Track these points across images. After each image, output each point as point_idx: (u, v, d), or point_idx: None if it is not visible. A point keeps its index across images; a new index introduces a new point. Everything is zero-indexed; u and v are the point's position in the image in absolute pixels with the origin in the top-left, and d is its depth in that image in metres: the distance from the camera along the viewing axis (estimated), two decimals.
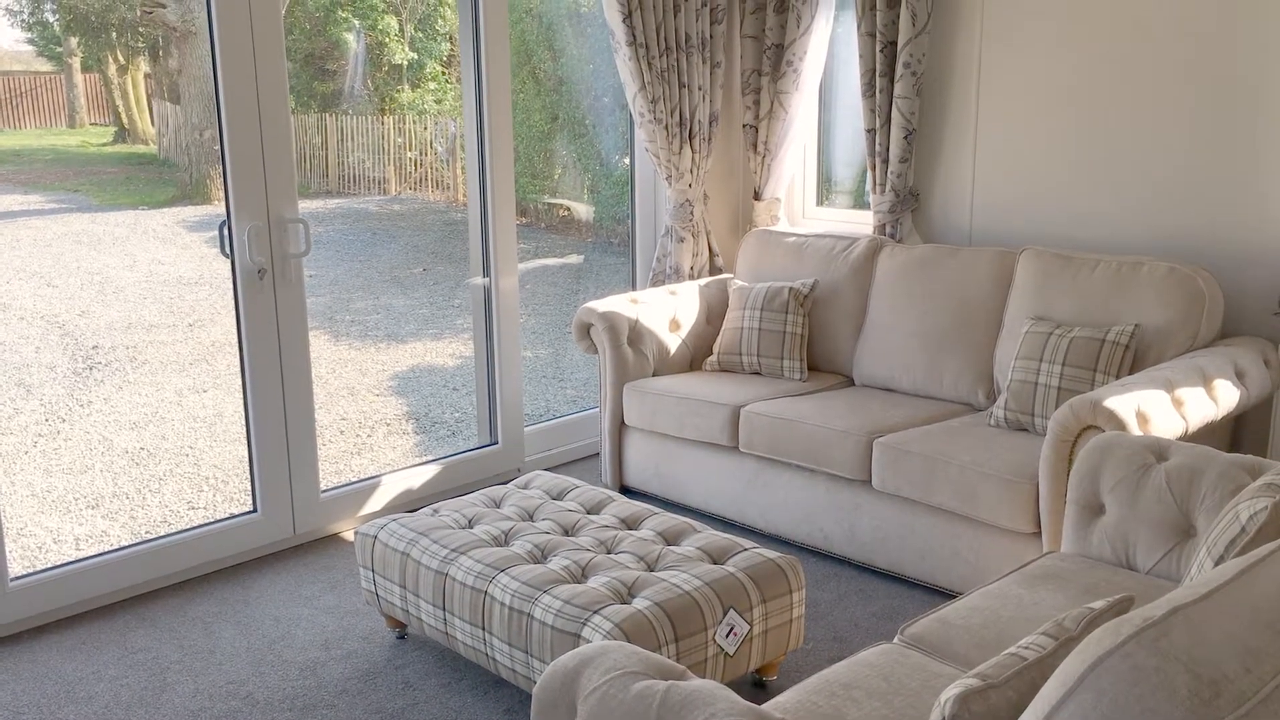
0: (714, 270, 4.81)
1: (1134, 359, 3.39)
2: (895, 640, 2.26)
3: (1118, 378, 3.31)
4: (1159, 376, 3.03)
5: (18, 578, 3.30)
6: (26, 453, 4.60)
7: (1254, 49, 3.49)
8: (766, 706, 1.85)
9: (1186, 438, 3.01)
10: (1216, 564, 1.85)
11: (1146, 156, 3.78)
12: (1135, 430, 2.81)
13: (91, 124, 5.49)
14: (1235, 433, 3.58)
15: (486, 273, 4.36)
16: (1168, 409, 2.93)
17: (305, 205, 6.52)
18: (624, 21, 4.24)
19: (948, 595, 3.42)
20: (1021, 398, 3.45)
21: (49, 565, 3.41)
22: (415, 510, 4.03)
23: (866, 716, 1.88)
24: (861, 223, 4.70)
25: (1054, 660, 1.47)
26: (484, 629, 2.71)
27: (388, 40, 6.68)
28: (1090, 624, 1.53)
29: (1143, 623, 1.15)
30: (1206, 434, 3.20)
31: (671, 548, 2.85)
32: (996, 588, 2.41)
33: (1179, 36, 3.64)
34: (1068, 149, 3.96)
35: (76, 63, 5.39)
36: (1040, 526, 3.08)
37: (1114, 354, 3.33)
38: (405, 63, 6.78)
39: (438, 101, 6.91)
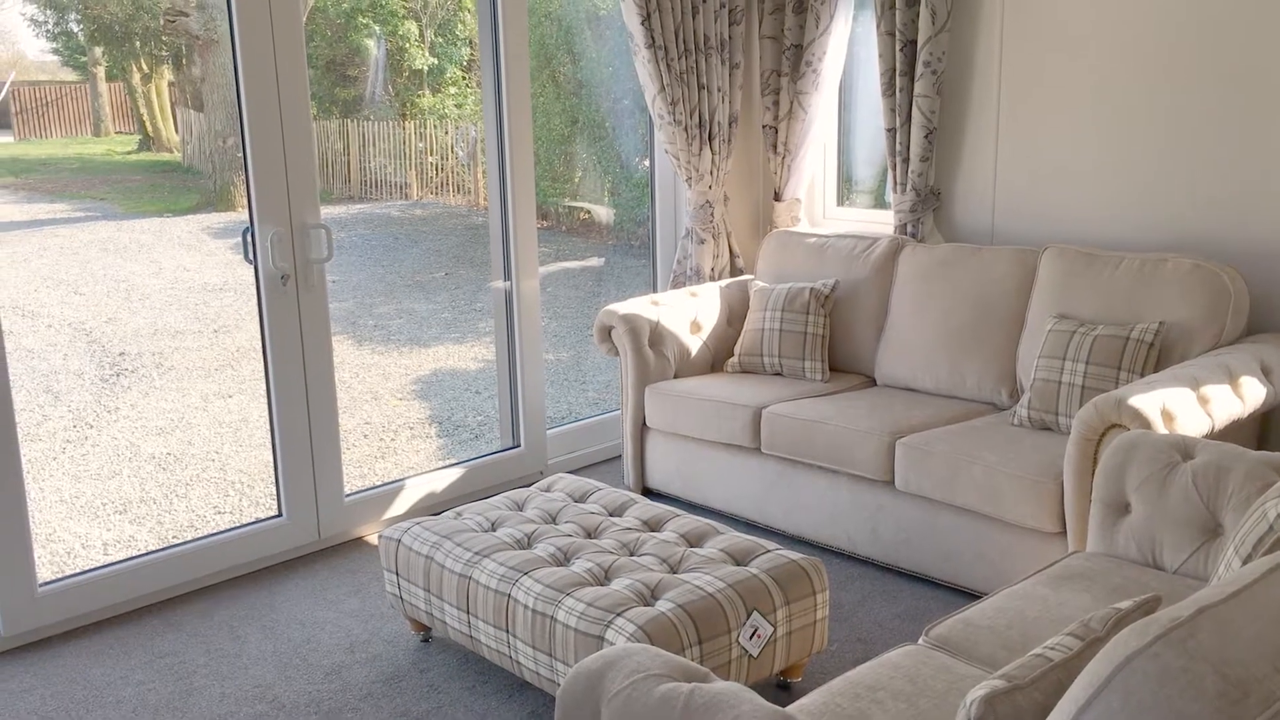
0: (735, 271, 4.81)
1: (1159, 357, 3.36)
2: (920, 641, 2.25)
3: (1142, 376, 3.29)
4: (1184, 374, 3.01)
5: (47, 583, 3.33)
6: (55, 459, 4.64)
7: (1279, 43, 3.45)
8: (791, 709, 1.85)
9: (1213, 436, 2.98)
10: (1244, 563, 1.83)
11: (1170, 152, 3.75)
12: (1161, 428, 2.79)
13: (116, 132, 5.55)
14: (1262, 430, 3.55)
15: (508, 276, 4.37)
16: (1193, 407, 2.91)
17: (328, 211, 6.56)
18: (643, 24, 4.25)
19: (972, 596, 3.40)
20: (1045, 397, 3.43)
21: (77, 570, 3.44)
22: (439, 514, 4.04)
23: (891, 718, 1.87)
24: (882, 222, 4.68)
25: (1080, 661, 1.46)
26: (508, 632, 2.72)
27: (408, 46, 6.71)
28: (1117, 624, 1.52)
29: (1170, 623, 1.14)
30: (1233, 432, 3.17)
31: (694, 550, 2.85)
32: (1021, 588, 2.39)
33: (1202, 30, 3.61)
34: (1090, 146, 3.94)
35: (101, 72, 5.44)
36: (1065, 526, 3.06)
37: (1138, 352, 3.30)
38: (426, 68, 6.81)
39: (458, 106, 6.94)
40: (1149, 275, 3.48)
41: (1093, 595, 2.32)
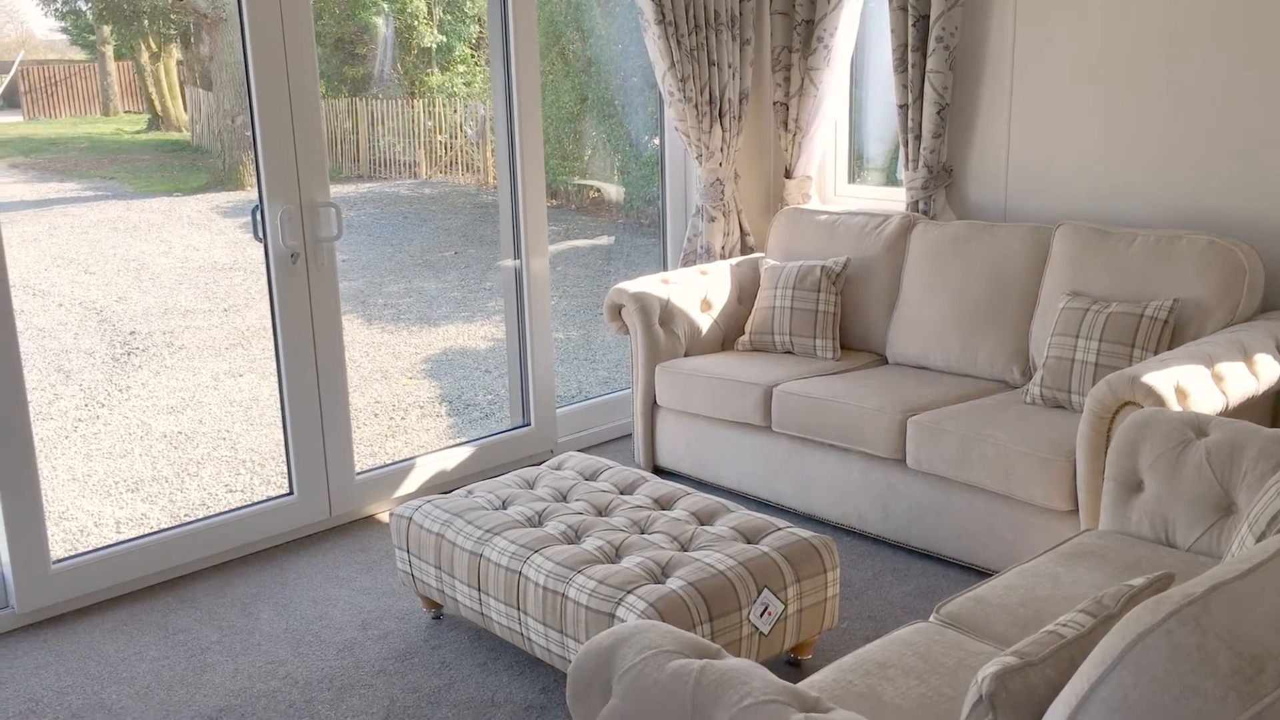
0: (745, 249, 4.79)
1: (1173, 334, 3.34)
2: (931, 619, 2.25)
3: (1156, 353, 3.27)
4: (1198, 351, 2.99)
5: (60, 560, 3.35)
6: (67, 438, 4.66)
7: None
8: (801, 685, 1.85)
9: (1227, 413, 2.97)
10: (1258, 540, 1.82)
11: (1185, 128, 3.71)
12: (1174, 406, 2.77)
13: (125, 112, 5.54)
14: (1277, 407, 3.53)
15: (517, 255, 4.36)
16: (1208, 384, 2.89)
17: (337, 190, 6.56)
18: None
19: (984, 574, 3.40)
20: (1058, 374, 3.41)
21: (90, 548, 3.46)
22: (449, 492, 4.06)
23: (902, 695, 1.87)
24: (894, 200, 4.66)
25: (1093, 638, 1.45)
26: (519, 609, 2.72)
27: (416, 23, 6.68)
28: (1130, 601, 1.51)
29: (1183, 599, 1.14)
30: (1247, 409, 3.15)
31: (705, 528, 2.85)
32: (1033, 566, 2.39)
33: (1217, 6, 3.57)
34: (1104, 122, 3.90)
35: (109, 51, 5.43)
36: (1078, 504, 3.05)
37: (1152, 329, 3.28)
38: (434, 46, 6.78)
39: (467, 84, 6.91)
40: (1163, 252, 3.45)
41: (1105, 573, 2.32)
